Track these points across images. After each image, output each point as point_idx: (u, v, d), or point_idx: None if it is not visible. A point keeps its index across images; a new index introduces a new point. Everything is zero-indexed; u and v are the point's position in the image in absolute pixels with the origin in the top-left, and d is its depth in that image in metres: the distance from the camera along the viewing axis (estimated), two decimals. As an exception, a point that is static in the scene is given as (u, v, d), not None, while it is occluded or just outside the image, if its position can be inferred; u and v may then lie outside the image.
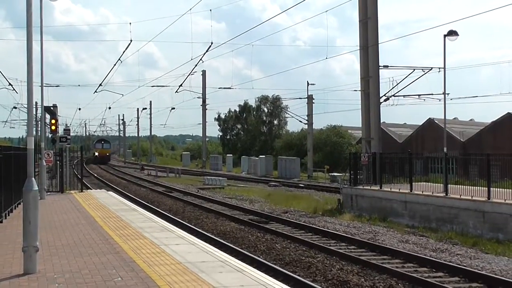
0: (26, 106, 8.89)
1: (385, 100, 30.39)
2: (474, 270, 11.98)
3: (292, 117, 59.91)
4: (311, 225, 18.53)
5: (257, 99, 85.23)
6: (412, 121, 67.97)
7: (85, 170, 51.20)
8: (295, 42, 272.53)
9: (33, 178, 7.96)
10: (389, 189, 22.28)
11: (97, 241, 10.24)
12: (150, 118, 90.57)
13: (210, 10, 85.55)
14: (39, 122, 42.29)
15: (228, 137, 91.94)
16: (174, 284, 6.89)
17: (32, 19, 8.26)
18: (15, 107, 58.79)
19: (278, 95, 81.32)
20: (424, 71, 30.86)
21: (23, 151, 16.17)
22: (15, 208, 15.38)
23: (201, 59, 36.61)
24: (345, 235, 16.66)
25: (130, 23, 33.13)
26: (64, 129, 29.57)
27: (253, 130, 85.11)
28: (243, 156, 62.99)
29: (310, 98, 51.24)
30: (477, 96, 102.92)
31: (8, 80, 41.26)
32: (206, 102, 67.57)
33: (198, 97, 65.40)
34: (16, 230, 11.10)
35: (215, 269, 7.78)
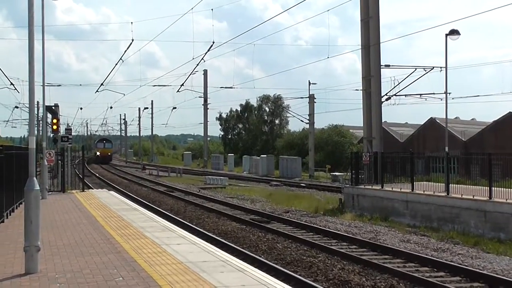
0: (27, 105, 8.88)
1: (386, 100, 30.34)
2: (475, 269, 11.98)
3: (294, 116, 60.03)
4: (312, 225, 18.52)
5: (258, 99, 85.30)
6: (413, 120, 67.89)
7: (87, 169, 51.26)
8: (296, 42, 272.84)
9: (35, 178, 7.97)
10: (391, 189, 22.26)
11: (99, 241, 10.25)
12: (152, 117, 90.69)
13: (212, 9, 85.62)
14: (41, 122, 42.29)
15: (229, 136, 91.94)
16: (175, 283, 6.90)
17: (33, 18, 8.27)
18: (16, 107, 58.88)
19: (279, 95, 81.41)
20: (425, 71, 30.80)
21: (25, 151, 16.17)
22: (16, 208, 15.39)
23: (202, 59, 36.61)
24: (346, 234, 16.65)
25: (131, 23, 33.19)
26: (66, 129, 29.53)
27: (255, 130, 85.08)
28: (245, 156, 62.98)
29: (311, 98, 51.23)
30: (478, 96, 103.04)
31: (10, 79, 41.36)
32: (208, 102, 67.62)
33: (199, 97, 65.50)
34: (17, 230, 11.12)
35: (216, 268, 7.78)
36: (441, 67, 28.24)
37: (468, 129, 51.37)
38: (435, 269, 12.20)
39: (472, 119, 64.34)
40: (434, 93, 34.24)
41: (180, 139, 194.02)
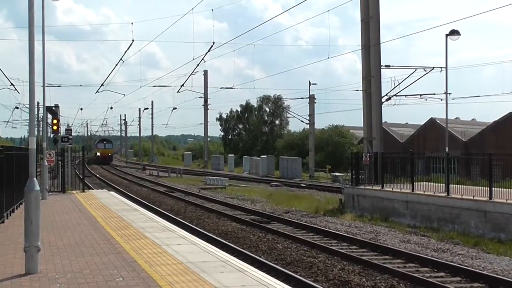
0: (28, 106, 8.89)
1: (387, 100, 30.32)
2: (475, 270, 11.98)
3: (294, 117, 60.00)
4: (312, 225, 18.52)
5: (258, 99, 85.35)
6: (413, 120, 67.99)
7: (87, 170, 51.27)
8: (297, 42, 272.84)
9: (35, 178, 7.97)
10: (391, 189, 22.26)
11: (99, 241, 10.25)
12: (152, 118, 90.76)
13: (212, 9, 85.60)
14: (41, 122, 42.30)
15: (229, 137, 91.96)
16: (176, 284, 6.90)
17: (34, 19, 8.28)
18: (17, 107, 58.88)
19: (279, 95, 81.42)
20: (426, 71, 30.79)
21: (25, 151, 16.18)
22: (17, 208, 15.39)
23: (202, 59, 36.58)
24: (346, 235, 16.65)
25: (132, 23, 33.28)
26: (66, 129, 29.54)
27: (255, 130, 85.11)
28: (245, 156, 63.00)
29: (311, 98, 51.24)
30: (479, 96, 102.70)
31: (10, 80, 41.34)
32: (208, 102, 67.65)
33: (199, 97, 65.51)
34: (17, 230, 11.12)
35: (216, 269, 7.79)
36: (441, 68, 28.24)
37: (469, 129, 51.36)
38: (435, 270, 12.20)
39: (473, 119, 64.33)
40: (434, 94, 34.28)
41: (180, 139, 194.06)
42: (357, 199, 23.97)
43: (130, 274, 7.50)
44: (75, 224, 12.75)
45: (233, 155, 70.44)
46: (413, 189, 21.02)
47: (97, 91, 45.25)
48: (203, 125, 69.84)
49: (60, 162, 23.94)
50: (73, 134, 36.82)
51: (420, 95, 35.26)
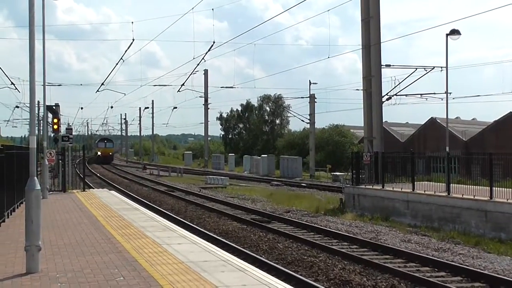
0: (28, 105, 8.88)
1: (387, 99, 30.32)
2: (476, 269, 11.97)
3: (294, 116, 60.22)
4: (313, 225, 18.52)
5: (259, 98, 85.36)
6: (414, 120, 67.89)
7: (87, 169, 51.28)
8: (297, 41, 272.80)
9: (35, 177, 7.97)
10: (391, 189, 22.25)
11: (99, 240, 10.25)
12: (152, 117, 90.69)
13: (212, 9, 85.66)
14: (41, 121, 42.37)
15: (230, 136, 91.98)
16: (176, 283, 6.90)
17: (34, 18, 8.27)
18: (17, 106, 58.87)
19: (280, 94, 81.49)
20: (426, 70, 30.78)
21: (25, 150, 16.17)
22: (17, 207, 15.40)
23: (203, 58, 36.51)
24: (347, 234, 16.65)
25: (132, 22, 33.25)
26: (66, 128, 29.55)
27: (255, 130, 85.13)
28: (245, 156, 63.02)
29: (312, 97, 51.23)
30: (479, 96, 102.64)
31: (10, 79, 41.46)
32: (208, 102, 67.66)
33: (200, 96, 65.52)
34: (18, 229, 11.12)
35: (217, 268, 7.78)
36: (441, 67, 28.28)
37: (469, 129, 51.34)
38: (436, 269, 12.20)
39: (473, 119, 64.31)
40: (434, 93, 34.26)
41: (181, 139, 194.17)
42: (357, 198, 23.96)
43: (131, 273, 7.49)
44: (75, 223, 12.75)
45: (233, 154, 70.45)
46: (413, 189, 21.01)
47: (98, 90, 45.18)
48: (203, 124, 69.95)
49: (60, 161, 23.97)
50: (73, 133, 36.82)
51: (421, 94, 35.28)
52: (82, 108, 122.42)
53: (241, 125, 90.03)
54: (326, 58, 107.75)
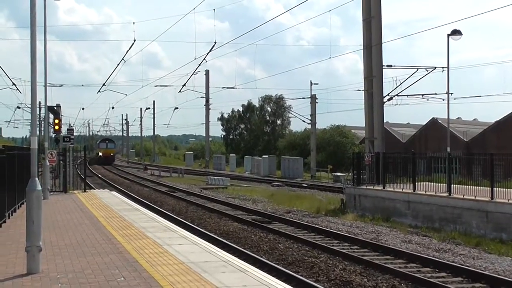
0: (29, 106, 8.86)
1: (388, 100, 30.32)
2: (477, 270, 11.97)
3: (296, 116, 60.22)
4: (314, 225, 18.52)
5: (260, 99, 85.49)
6: (415, 120, 67.80)
7: (88, 170, 51.28)
8: (298, 42, 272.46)
9: (37, 178, 7.97)
10: (392, 189, 22.25)
11: (100, 241, 10.26)
12: (154, 118, 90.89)
13: (214, 9, 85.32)
14: (43, 122, 42.43)
15: (231, 137, 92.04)
16: (177, 284, 6.90)
17: (35, 18, 8.29)
18: (18, 107, 59.04)
19: (281, 95, 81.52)
20: (427, 71, 30.80)
21: (27, 151, 16.20)
22: (18, 208, 15.41)
23: (204, 59, 36.59)
24: (348, 235, 16.65)
25: (133, 23, 33.33)
26: (68, 129, 29.51)
27: (256, 130, 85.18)
28: (246, 156, 63.03)
29: (313, 98, 51.25)
30: (480, 96, 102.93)
31: (12, 79, 41.48)
32: (210, 102, 67.72)
33: (201, 97, 65.53)
34: (19, 230, 11.13)
35: (218, 269, 7.79)
36: (443, 67, 28.31)
37: (470, 129, 51.30)
38: (437, 270, 12.19)
39: (474, 119, 64.25)
40: (436, 94, 34.26)
41: (182, 139, 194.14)
42: (358, 199, 23.96)
43: (132, 274, 7.50)
44: (76, 224, 12.76)
45: (234, 155, 70.47)
46: (414, 189, 21.01)
47: (99, 91, 45.38)
48: (204, 125, 69.98)
49: (61, 162, 23.96)
50: (74, 134, 36.80)
51: (422, 95, 35.26)
52: (83, 109, 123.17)
53: (242, 126, 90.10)
54: (327, 58, 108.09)
